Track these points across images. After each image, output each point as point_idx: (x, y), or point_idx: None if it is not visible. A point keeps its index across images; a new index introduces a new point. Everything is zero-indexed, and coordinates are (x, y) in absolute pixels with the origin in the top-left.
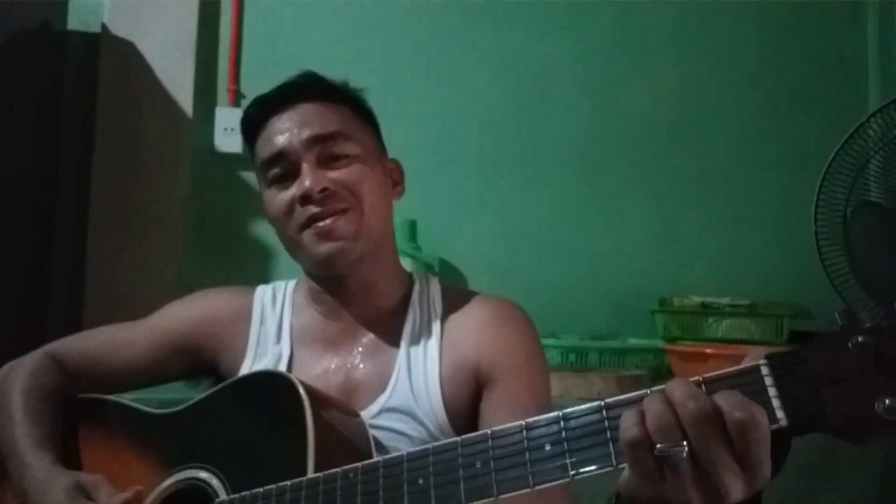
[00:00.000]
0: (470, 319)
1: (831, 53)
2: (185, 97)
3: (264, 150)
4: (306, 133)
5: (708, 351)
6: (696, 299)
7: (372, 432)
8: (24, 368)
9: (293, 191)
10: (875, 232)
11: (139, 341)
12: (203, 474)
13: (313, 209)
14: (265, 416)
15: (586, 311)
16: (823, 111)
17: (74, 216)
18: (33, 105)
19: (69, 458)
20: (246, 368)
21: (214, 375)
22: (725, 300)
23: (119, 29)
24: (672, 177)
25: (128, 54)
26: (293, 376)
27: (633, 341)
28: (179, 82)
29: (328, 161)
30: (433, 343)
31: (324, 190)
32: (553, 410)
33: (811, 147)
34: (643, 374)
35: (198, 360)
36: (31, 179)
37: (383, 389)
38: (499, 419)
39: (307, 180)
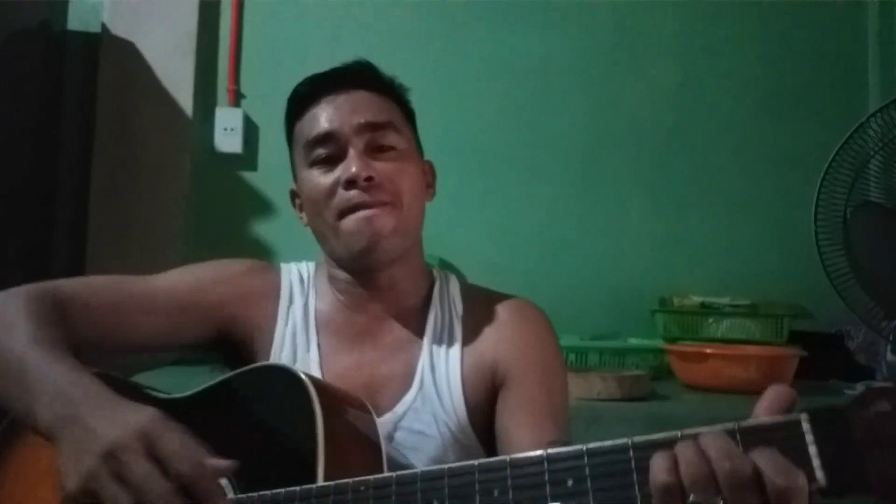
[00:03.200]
0: (489, 319)
1: (831, 54)
2: (184, 97)
3: (312, 128)
4: (358, 118)
5: (708, 351)
6: (696, 299)
7: (395, 433)
8: (24, 309)
9: (337, 174)
10: (875, 232)
11: (160, 298)
12: None
13: (357, 196)
14: (275, 414)
15: (586, 311)
16: (823, 111)
17: (74, 216)
18: (33, 105)
19: None
20: (277, 351)
21: (233, 353)
22: (725, 300)
23: (119, 29)
24: (672, 177)
25: (128, 54)
26: (304, 374)
27: (634, 341)
28: (179, 82)
29: (375, 150)
30: (455, 342)
31: (370, 178)
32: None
33: (811, 147)
34: (643, 374)
35: (222, 332)
36: (32, 179)
37: (407, 388)
38: (514, 421)
39: (354, 165)
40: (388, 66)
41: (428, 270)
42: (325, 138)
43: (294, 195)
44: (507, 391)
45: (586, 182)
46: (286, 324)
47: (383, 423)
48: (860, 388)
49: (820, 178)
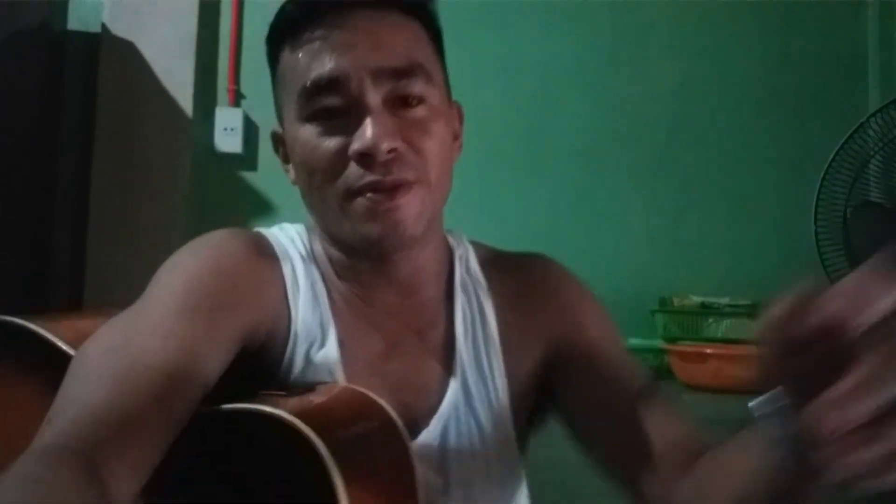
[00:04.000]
0: (520, 291)
1: (831, 53)
2: (184, 97)
3: (310, 68)
4: (378, 59)
5: (708, 351)
6: (696, 299)
7: (429, 453)
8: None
9: (346, 139)
10: (875, 232)
11: (209, 356)
12: None
13: (373, 175)
14: (274, 479)
15: None
16: (823, 111)
17: (74, 216)
18: (33, 105)
19: None
20: (300, 359)
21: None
22: (725, 300)
23: (119, 29)
24: (672, 177)
25: (128, 54)
26: (314, 436)
27: (634, 341)
28: (179, 82)
29: (398, 104)
30: (489, 330)
31: (392, 150)
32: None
33: (811, 147)
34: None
35: (237, 349)
36: (31, 179)
37: (441, 398)
38: (605, 398)
39: (372, 131)
40: None
41: (446, 241)
42: (331, 84)
43: (278, 139)
44: (576, 368)
45: (586, 182)
46: (298, 318)
47: (417, 443)
48: None
49: (820, 178)
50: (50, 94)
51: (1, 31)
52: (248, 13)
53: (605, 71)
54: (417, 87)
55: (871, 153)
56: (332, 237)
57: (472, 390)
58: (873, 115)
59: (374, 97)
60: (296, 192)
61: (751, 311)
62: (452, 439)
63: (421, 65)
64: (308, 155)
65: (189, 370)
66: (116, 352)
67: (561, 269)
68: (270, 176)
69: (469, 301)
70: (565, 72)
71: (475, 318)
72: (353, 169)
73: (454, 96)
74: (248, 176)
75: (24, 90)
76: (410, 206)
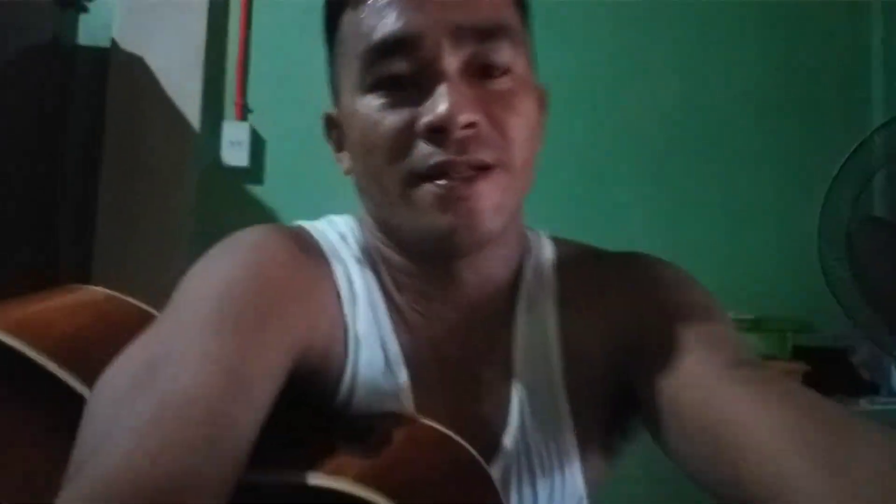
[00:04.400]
0: (598, 297)
1: (834, 65)
2: (192, 111)
3: (377, 28)
4: (458, 17)
5: None
6: None
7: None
8: None
9: (414, 111)
10: (879, 247)
11: (259, 379)
12: None
13: (445, 155)
14: None
15: None
16: (826, 124)
17: (81, 229)
18: (42, 119)
19: None
20: (361, 383)
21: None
22: (729, 315)
23: (128, 44)
24: (673, 189)
25: (136, 68)
26: None
27: None
28: (187, 96)
29: (479, 73)
30: (551, 347)
31: (471, 125)
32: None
33: (815, 161)
34: None
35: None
36: (39, 192)
37: (504, 427)
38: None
39: (448, 101)
40: None
41: (521, 240)
42: (399, 46)
43: (331, 123)
44: (657, 369)
45: (586, 192)
46: (356, 332)
47: None
48: (863, 403)
49: (824, 192)
50: (59, 108)
51: (12, 45)
52: (256, 28)
53: (606, 83)
54: (504, 53)
55: (876, 168)
56: (391, 233)
57: (528, 430)
58: (878, 129)
59: (451, 61)
60: (302, 207)
61: (754, 326)
62: (513, 486)
63: (508, 27)
64: (367, 131)
65: (238, 399)
66: (143, 385)
67: (663, 268)
68: (277, 190)
69: (531, 320)
70: (566, 84)
71: (539, 339)
72: (422, 148)
73: None
74: (255, 190)
75: (34, 104)
76: (489, 196)
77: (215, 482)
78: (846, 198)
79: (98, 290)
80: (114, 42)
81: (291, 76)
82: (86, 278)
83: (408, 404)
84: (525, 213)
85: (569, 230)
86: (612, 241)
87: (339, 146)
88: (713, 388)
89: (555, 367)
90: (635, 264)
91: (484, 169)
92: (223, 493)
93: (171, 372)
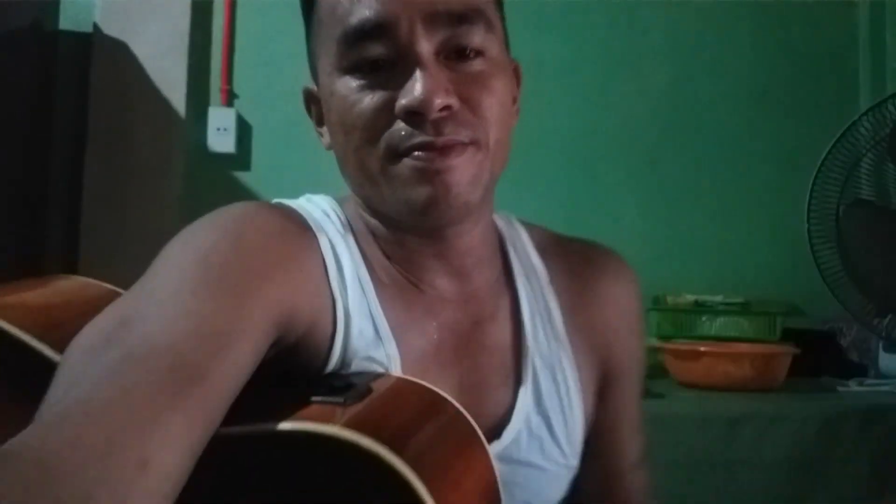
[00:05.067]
0: (585, 285)
1: (823, 52)
2: (177, 97)
3: (353, 12)
4: (432, 2)
5: (702, 349)
6: (690, 297)
7: (500, 468)
8: None
9: (391, 94)
10: (867, 230)
11: (239, 337)
12: None
13: (422, 135)
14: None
15: None
16: (815, 110)
17: (67, 217)
18: (25, 105)
19: None
20: (350, 353)
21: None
22: (719, 298)
23: (111, 29)
24: (665, 176)
25: (120, 54)
26: (407, 469)
27: None
28: (172, 82)
29: (454, 56)
30: (557, 326)
31: (446, 108)
32: None
33: (803, 145)
34: None
35: (275, 339)
36: (23, 180)
37: (508, 406)
38: (618, 431)
39: (424, 85)
40: None
41: (493, 223)
42: (376, 31)
43: (310, 98)
44: (611, 394)
45: (578, 181)
46: (343, 303)
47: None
48: (852, 385)
49: (812, 176)
50: (41, 95)
51: None
52: (241, 13)
53: (598, 70)
54: (477, 35)
55: (863, 151)
56: (374, 208)
57: (545, 400)
58: (865, 113)
59: (425, 46)
60: (289, 193)
61: (744, 309)
62: (522, 454)
63: (481, 10)
64: (346, 111)
65: (211, 353)
66: (112, 340)
67: (630, 271)
68: (264, 176)
69: (533, 293)
70: (558, 71)
71: (541, 314)
72: (399, 127)
73: None
74: (242, 176)
75: (16, 91)
76: (465, 169)
77: (180, 431)
78: (834, 181)
79: (77, 279)
80: (96, 27)
81: (277, 61)
82: (72, 265)
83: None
84: (518, 203)
85: (562, 217)
86: (604, 227)
87: (320, 120)
88: (625, 475)
89: (563, 341)
90: (612, 260)
91: (460, 146)
92: (191, 444)
93: (142, 327)
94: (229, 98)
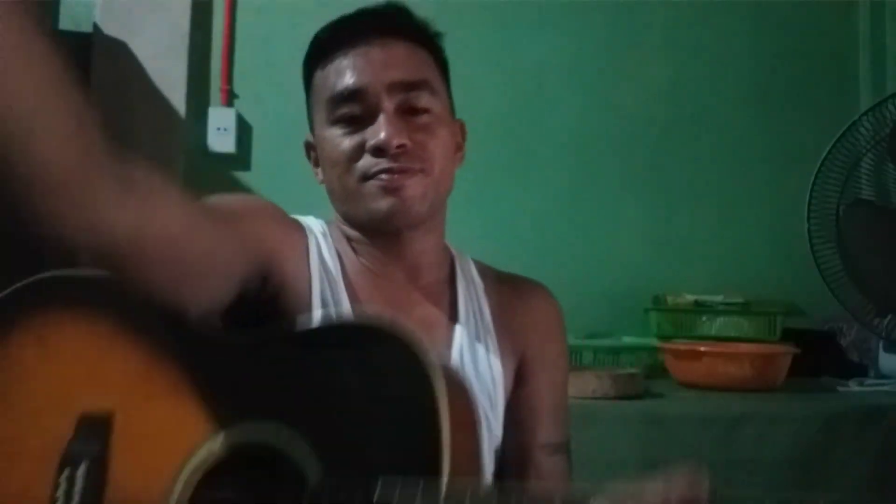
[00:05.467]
0: (512, 301)
1: (823, 52)
2: (177, 97)
3: (336, 82)
4: (392, 76)
5: (702, 349)
6: (690, 297)
7: None
8: None
9: (364, 137)
10: (867, 229)
11: (226, 248)
12: (278, 435)
13: (384, 163)
14: (378, 382)
15: (580, 309)
16: (815, 109)
17: None
18: None
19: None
20: (316, 306)
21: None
22: (719, 298)
23: (111, 29)
24: (665, 175)
25: (120, 54)
26: (420, 341)
27: (628, 340)
28: (172, 82)
29: (407, 112)
30: (486, 323)
31: (401, 146)
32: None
33: (804, 145)
34: (637, 372)
35: (254, 280)
36: None
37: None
38: (530, 418)
39: (384, 131)
40: None
41: (447, 246)
42: (353, 95)
43: (309, 147)
44: (525, 383)
45: (579, 181)
46: (318, 274)
47: None
48: (853, 384)
49: (812, 176)
50: None
51: None
52: (240, 13)
53: (598, 70)
54: (424, 98)
55: (863, 151)
56: (351, 219)
57: (468, 363)
58: (865, 113)
59: (388, 105)
60: (290, 192)
61: (744, 309)
62: None
63: (427, 81)
64: (332, 151)
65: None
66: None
67: (552, 299)
68: (264, 176)
69: (469, 293)
70: (558, 70)
71: (475, 308)
72: (367, 159)
73: (454, 94)
74: (242, 176)
75: None
76: (416, 187)
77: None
78: (834, 181)
79: None
80: (96, 27)
81: (277, 61)
82: (73, 265)
83: None
84: (518, 202)
85: (562, 214)
86: (604, 226)
87: (316, 163)
88: (536, 454)
89: (490, 332)
90: (538, 287)
91: (412, 171)
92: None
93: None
94: (229, 98)
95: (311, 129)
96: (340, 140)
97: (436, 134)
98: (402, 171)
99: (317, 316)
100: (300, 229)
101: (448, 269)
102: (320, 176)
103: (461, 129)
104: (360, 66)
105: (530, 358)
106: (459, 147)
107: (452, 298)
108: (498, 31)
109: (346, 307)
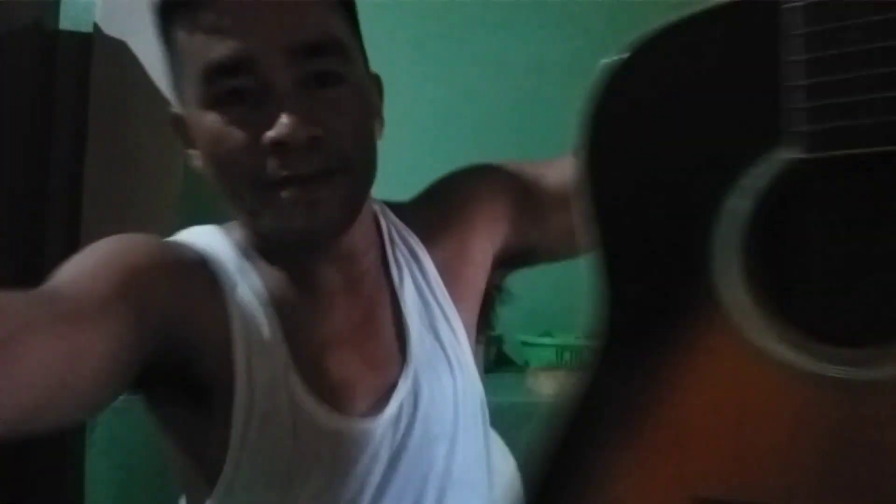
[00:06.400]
0: (438, 218)
1: None
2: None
3: (210, 49)
4: (288, 35)
5: None
6: None
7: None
8: None
9: (258, 128)
10: None
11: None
12: None
13: (291, 165)
14: None
15: (582, 310)
16: None
17: (67, 217)
18: (25, 105)
19: None
20: (242, 362)
21: (167, 380)
22: None
23: (111, 28)
24: None
25: (120, 54)
26: None
27: None
28: None
29: (312, 83)
30: (431, 280)
31: (313, 139)
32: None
33: None
34: None
35: (160, 349)
36: (23, 180)
37: (407, 364)
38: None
39: (288, 119)
40: (380, 65)
41: (371, 211)
42: (237, 67)
43: (177, 122)
44: (521, 223)
45: None
46: (236, 317)
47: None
48: None
49: None
50: (42, 95)
51: None
52: None
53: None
54: (334, 63)
55: None
56: (254, 227)
57: (423, 378)
58: None
59: (285, 78)
60: None
61: None
62: (424, 387)
63: (337, 39)
64: (215, 146)
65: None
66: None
67: (454, 174)
68: None
69: (407, 261)
70: (559, 70)
71: (417, 277)
72: (268, 161)
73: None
74: None
75: (16, 91)
76: (335, 195)
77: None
78: None
79: None
80: (96, 27)
81: None
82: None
83: (287, 369)
84: None
85: None
86: None
87: (188, 143)
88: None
89: (440, 293)
90: (446, 180)
91: (329, 173)
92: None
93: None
94: None
95: (180, 100)
96: (225, 130)
97: (353, 112)
98: (315, 179)
99: (241, 364)
100: (199, 266)
101: (379, 243)
102: (198, 161)
103: (377, 85)
104: (241, 23)
105: (500, 222)
106: (378, 111)
107: (393, 288)
108: (497, 30)
109: (279, 342)
